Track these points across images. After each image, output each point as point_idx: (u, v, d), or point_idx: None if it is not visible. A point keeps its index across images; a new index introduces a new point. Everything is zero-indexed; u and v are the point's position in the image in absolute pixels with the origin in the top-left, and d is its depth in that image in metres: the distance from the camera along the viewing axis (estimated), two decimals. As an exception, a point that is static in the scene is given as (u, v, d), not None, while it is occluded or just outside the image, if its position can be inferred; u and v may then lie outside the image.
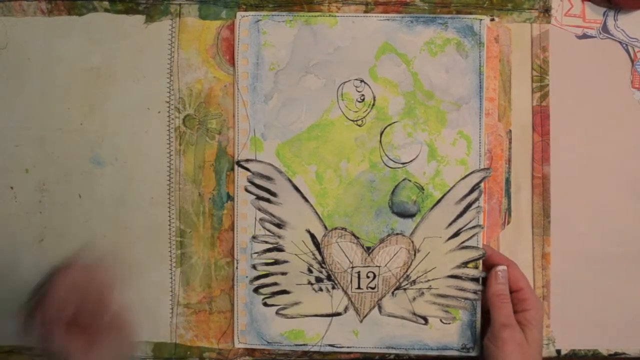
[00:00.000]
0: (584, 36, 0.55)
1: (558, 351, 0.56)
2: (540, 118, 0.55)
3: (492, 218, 0.55)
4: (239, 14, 0.54)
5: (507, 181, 0.55)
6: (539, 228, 0.56)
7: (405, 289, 0.54)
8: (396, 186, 0.54)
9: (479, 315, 0.54)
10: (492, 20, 0.54)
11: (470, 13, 0.54)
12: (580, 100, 0.56)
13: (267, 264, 0.55)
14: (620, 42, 0.55)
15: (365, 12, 0.54)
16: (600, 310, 0.56)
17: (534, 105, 0.55)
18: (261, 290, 0.55)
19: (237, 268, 0.55)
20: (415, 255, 0.54)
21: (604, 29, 0.55)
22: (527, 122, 0.55)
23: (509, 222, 0.55)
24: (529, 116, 0.55)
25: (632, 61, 0.56)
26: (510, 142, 0.55)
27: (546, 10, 0.55)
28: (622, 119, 0.56)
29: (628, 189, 0.56)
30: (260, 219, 0.54)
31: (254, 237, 0.54)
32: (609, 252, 0.56)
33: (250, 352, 0.56)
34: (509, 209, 0.55)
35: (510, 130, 0.55)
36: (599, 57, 0.55)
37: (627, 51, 0.55)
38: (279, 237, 0.54)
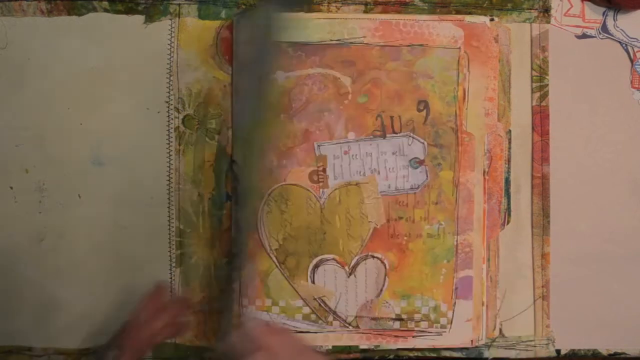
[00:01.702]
0: (584, 36, 0.55)
1: (558, 351, 0.56)
2: (540, 118, 0.55)
3: (491, 218, 0.55)
4: (239, 14, 0.54)
5: (507, 181, 0.55)
6: (538, 228, 0.55)
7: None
8: None
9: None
10: (492, 20, 0.54)
11: (470, 13, 0.54)
12: (580, 100, 0.55)
13: (266, 264, 0.55)
14: (619, 42, 0.55)
15: (365, 12, 0.54)
16: (600, 310, 0.56)
17: (534, 105, 0.55)
18: (261, 290, 0.55)
19: (236, 268, 0.55)
20: None
21: (604, 28, 0.55)
22: (526, 122, 0.55)
23: (508, 222, 0.55)
24: (529, 116, 0.55)
25: (632, 61, 0.55)
26: (509, 142, 0.55)
27: (546, 10, 0.55)
28: (621, 119, 0.56)
29: (627, 188, 0.56)
30: (260, 219, 0.54)
31: (253, 237, 0.54)
32: (608, 252, 0.56)
33: (250, 352, 0.56)
34: (508, 209, 0.55)
35: (509, 130, 0.55)
36: (599, 57, 0.55)
37: (627, 51, 0.55)
38: (279, 237, 0.54)
